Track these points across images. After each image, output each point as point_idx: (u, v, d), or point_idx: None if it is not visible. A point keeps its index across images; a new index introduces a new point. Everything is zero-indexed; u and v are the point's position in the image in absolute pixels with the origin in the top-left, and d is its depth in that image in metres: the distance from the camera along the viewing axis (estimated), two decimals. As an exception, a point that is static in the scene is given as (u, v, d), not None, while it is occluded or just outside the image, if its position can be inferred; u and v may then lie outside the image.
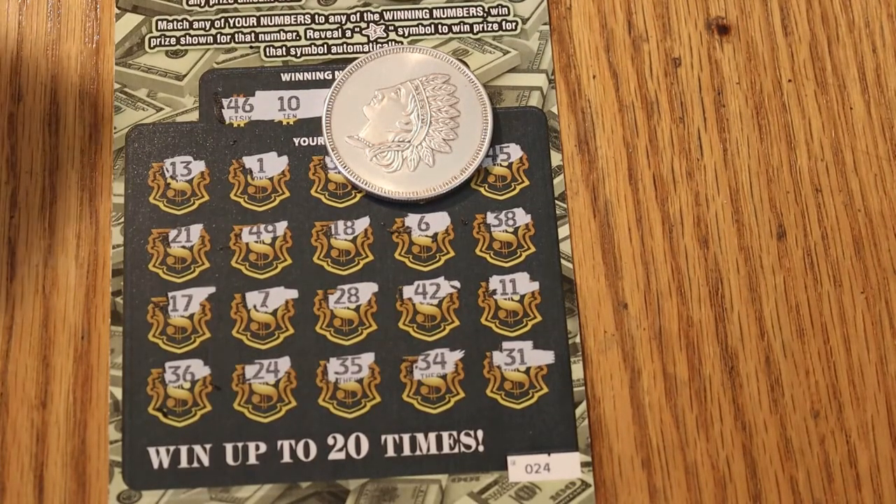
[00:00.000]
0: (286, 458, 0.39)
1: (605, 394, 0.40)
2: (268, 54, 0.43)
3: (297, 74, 0.43)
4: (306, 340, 0.40)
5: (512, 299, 0.40)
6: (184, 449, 0.39)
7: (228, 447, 0.39)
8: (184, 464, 0.38)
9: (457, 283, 0.40)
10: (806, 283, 0.41)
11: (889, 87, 0.43)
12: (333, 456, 0.39)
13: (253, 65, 0.43)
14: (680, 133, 0.42)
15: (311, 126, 0.42)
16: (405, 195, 0.41)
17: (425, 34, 0.43)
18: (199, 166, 0.41)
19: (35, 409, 0.39)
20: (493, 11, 0.44)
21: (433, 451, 0.39)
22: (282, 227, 0.41)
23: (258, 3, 0.43)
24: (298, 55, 0.43)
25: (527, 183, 0.41)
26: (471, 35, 0.43)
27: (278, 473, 0.38)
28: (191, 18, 0.43)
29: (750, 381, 0.40)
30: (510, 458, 0.39)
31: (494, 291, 0.40)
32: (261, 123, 0.42)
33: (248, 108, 0.42)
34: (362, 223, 0.41)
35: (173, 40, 0.43)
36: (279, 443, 0.39)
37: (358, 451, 0.39)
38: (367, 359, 0.39)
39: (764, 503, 0.39)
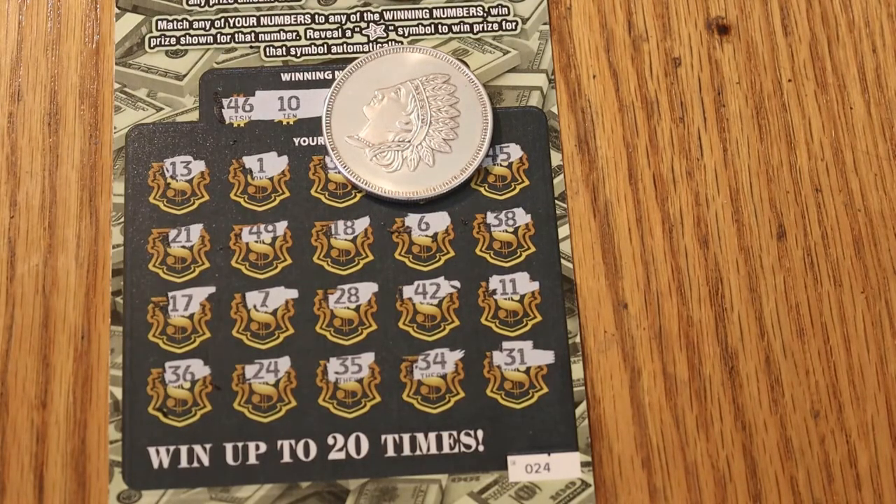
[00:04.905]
0: (286, 457, 0.39)
1: (605, 394, 0.40)
2: (268, 54, 0.43)
3: (297, 74, 0.43)
4: (306, 340, 0.40)
5: (512, 299, 0.40)
6: (184, 449, 0.39)
7: (228, 447, 0.39)
8: (184, 464, 0.38)
9: (457, 283, 0.40)
10: (806, 283, 0.41)
11: (889, 87, 0.43)
12: (333, 456, 0.39)
13: (253, 65, 0.43)
14: (680, 133, 0.42)
15: (311, 126, 0.42)
16: (405, 195, 0.41)
17: (425, 34, 0.43)
18: (199, 166, 0.41)
19: (35, 409, 0.39)
20: (493, 11, 0.44)
21: (433, 450, 0.39)
22: (282, 226, 0.41)
23: (258, 3, 0.43)
24: (298, 55, 0.43)
25: (527, 183, 0.41)
26: (471, 35, 0.43)
27: (278, 473, 0.38)
28: (191, 18, 0.43)
29: (750, 381, 0.40)
30: (510, 458, 0.39)
31: (494, 291, 0.40)
32: (261, 123, 0.42)
33: (248, 107, 0.42)
34: (362, 223, 0.41)
35: (173, 40, 0.43)
36: (279, 443, 0.39)
37: (358, 450, 0.39)
38: (367, 359, 0.39)
39: (764, 503, 0.39)
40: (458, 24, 0.43)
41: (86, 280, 0.40)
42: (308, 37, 0.43)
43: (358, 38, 0.43)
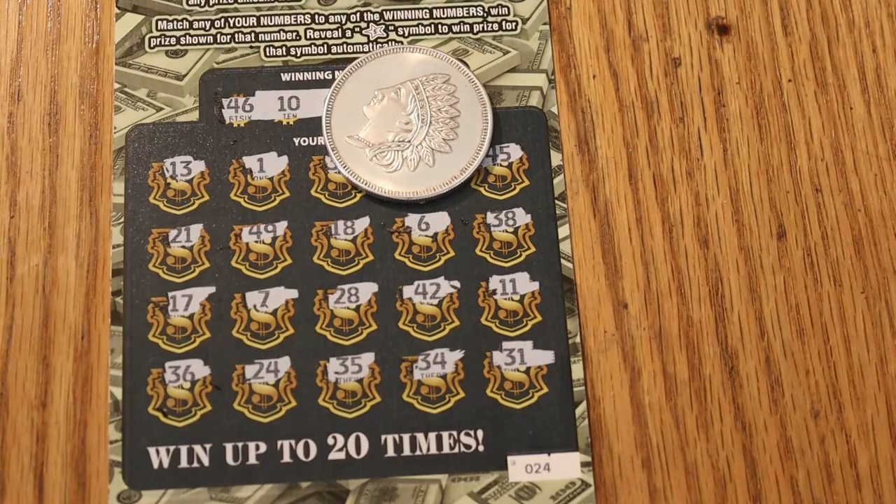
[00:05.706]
0: (286, 458, 0.39)
1: (605, 394, 0.40)
2: (268, 54, 0.43)
3: (297, 74, 0.43)
4: (306, 340, 0.40)
5: (512, 299, 0.40)
6: (184, 449, 0.39)
7: (228, 447, 0.39)
8: (184, 464, 0.38)
9: (457, 283, 0.40)
10: (806, 283, 0.41)
11: (889, 87, 0.43)
12: (333, 456, 0.39)
13: (253, 65, 0.43)
14: (680, 133, 0.42)
15: (311, 126, 0.42)
16: (405, 195, 0.41)
17: (425, 34, 0.43)
18: (199, 166, 0.41)
19: (35, 409, 0.39)
20: (493, 11, 0.44)
21: (433, 451, 0.39)
22: (282, 227, 0.41)
23: (258, 3, 0.43)
24: (298, 55, 0.43)
25: (527, 183, 0.41)
26: (471, 35, 0.43)
27: (278, 473, 0.38)
28: (191, 18, 0.43)
29: (750, 381, 0.40)
30: (510, 458, 0.39)
31: (494, 291, 0.40)
32: (261, 123, 0.42)
33: (248, 107, 0.42)
34: (362, 223, 0.41)
35: (173, 40, 0.43)
36: (279, 443, 0.39)
37: (358, 451, 0.39)
38: (367, 359, 0.39)
39: (764, 503, 0.39)
40: (458, 24, 0.43)
41: (86, 280, 0.40)
42: (308, 37, 0.43)
43: (358, 38, 0.43)
